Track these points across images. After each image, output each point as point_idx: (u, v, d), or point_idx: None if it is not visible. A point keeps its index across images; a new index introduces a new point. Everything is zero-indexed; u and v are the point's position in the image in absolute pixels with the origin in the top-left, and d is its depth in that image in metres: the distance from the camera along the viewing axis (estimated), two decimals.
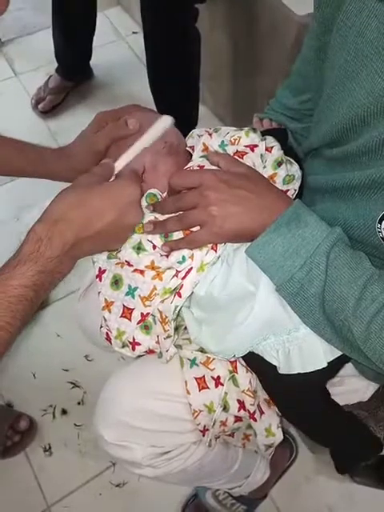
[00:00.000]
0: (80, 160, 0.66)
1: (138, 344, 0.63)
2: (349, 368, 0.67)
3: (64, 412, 1.20)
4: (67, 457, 1.15)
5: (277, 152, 0.63)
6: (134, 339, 0.63)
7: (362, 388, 0.75)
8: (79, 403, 1.21)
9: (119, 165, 0.59)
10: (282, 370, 0.59)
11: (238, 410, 0.64)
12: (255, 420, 0.65)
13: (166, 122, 0.61)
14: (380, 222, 0.50)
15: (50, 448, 1.16)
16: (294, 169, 0.64)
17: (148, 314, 0.61)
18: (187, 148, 0.69)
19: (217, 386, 0.65)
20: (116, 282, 0.62)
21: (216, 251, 0.58)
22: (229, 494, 1.04)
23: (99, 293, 0.63)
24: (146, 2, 1.21)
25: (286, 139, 0.71)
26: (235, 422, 0.66)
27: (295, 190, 0.64)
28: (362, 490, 1.08)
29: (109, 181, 0.57)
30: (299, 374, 0.58)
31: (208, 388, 0.64)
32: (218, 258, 0.59)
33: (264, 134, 0.67)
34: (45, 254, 0.49)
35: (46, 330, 1.31)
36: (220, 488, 1.00)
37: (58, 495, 1.11)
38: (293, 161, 0.65)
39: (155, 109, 1.39)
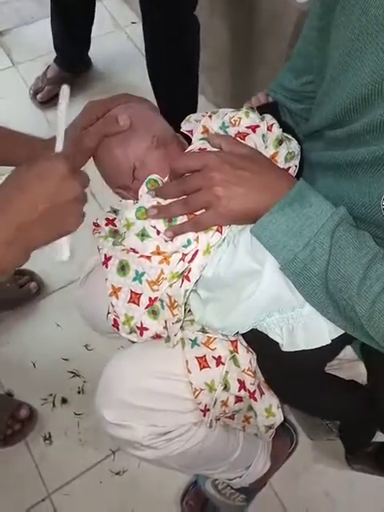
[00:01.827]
0: (72, 156, 0.65)
1: (146, 329, 0.63)
2: (348, 351, 0.68)
3: (64, 401, 1.21)
4: (67, 445, 1.15)
5: (276, 130, 0.63)
6: (141, 324, 0.63)
7: (360, 374, 0.76)
8: (79, 392, 1.21)
9: (57, 147, 0.56)
10: (285, 347, 0.59)
11: (239, 390, 0.65)
12: (255, 400, 0.66)
13: (64, 92, 0.58)
14: None
15: (50, 437, 1.17)
16: (293, 145, 0.64)
17: (156, 298, 0.61)
18: (185, 132, 0.68)
19: (218, 365, 0.65)
20: (122, 268, 0.62)
21: (221, 233, 0.58)
22: (228, 484, 1.04)
23: (106, 279, 0.63)
24: None
25: (277, 113, 0.71)
26: (236, 402, 0.66)
27: (296, 166, 0.64)
28: (361, 477, 1.09)
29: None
30: (300, 351, 0.58)
31: (209, 367, 0.65)
32: (224, 239, 0.59)
33: (258, 111, 0.67)
34: None
35: (46, 319, 1.31)
36: (220, 477, 1.01)
37: (58, 483, 1.12)
38: (291, 137, 0.65)
39: (154, 98, 1.39)
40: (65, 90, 0.57)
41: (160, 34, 1.26)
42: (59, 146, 0.56)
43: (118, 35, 1.90)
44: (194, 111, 1.44)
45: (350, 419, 0.69)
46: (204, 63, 1.38)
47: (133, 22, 1.93)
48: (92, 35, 1.65)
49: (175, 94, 1.38)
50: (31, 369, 1.24)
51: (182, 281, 0.59)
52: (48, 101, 1.69)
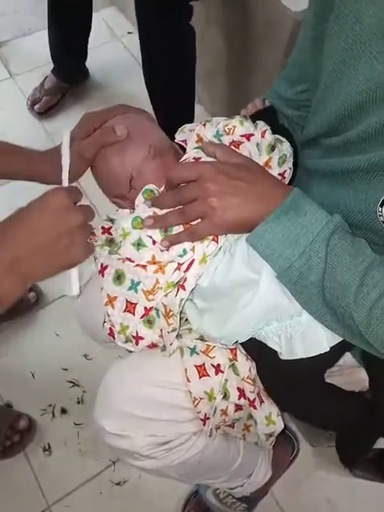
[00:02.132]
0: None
1: (142, 338, 0.63)
2: (348, 358, 0.68)
3: (63, 411, 1.20)
4: (67, 456, 1.15)
5: (269, 136, 0.64)
6: (137, 333, 0.63)
7: (361, 380, 0.76)
8: (79, 402, 1.21)
9: (64, 181, 0.59)
10: (284, 356, 0.59)
11: (239, 398, 0.65)
12: (255, 408, 0.66)
13: (65, 137, 0.61)
14: (381, 206, 0.51)
15: (49, 447, 1.16)
16: (285, 147, 0.64)
17: (151, 308, 0.61)
18: (179, 142, 0.69)
19: (217, 373, 0.65)
20: (118, 277, 0.62)
21: (217, 242, 0.58)
22: (230, 493, 1.03)
23: (102, 288, 0.63)
24: (140, 1, 1.22)
25: (276, 117, 0.71)
26: (236, 411, 0.66)
27: (290, 169, 0.64)
28: (363, 484, 1.08)
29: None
30: (299, 359, 0.58)
31: (208, 375, 0.65)
32: (220, 248, 0.59)
33: (252, 116, 0.67)
34: None
35: (45, 329, 1.31)
36: (221, 487, 1.00)
37: (58, 494, 1.11)
38: (283, 139, 0.65)
39: (152, 108, 1.40)
40: (65, 135, 0.61)
41: (156, 43, 1.27)
42: (65, 183, 0.58)
43: (114, 45, 1.92)
44: (192, 120, 1.46)
45: (349, 429, 0.68)
46: (200, 71, 1.39)
47: (129, 32, 1.94)
48: (89, 45, 1.66)
49: (173, 103, 1.39)
50: (30, 379, 1.24)
51: (178, 290, 0.60)
52: (46, 111, 1.70)
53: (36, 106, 1.69)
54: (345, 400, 0.68)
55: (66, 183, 0.57)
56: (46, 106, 1.69)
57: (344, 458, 0.72)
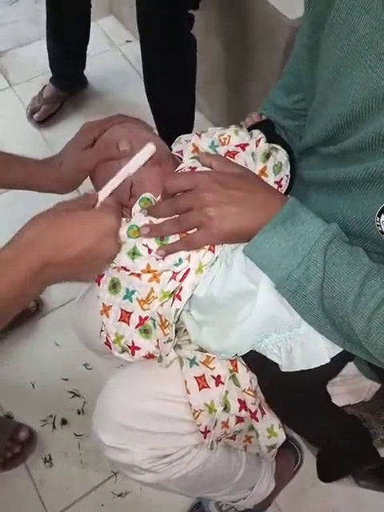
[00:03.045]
0: (67, 175, 0.66)
1: (138, 348, 0.63)
2: (350, 368, 0.67)
3: (64, 422, 1.19)
4: (68, 467, 1.14)
5: (264, 145, 0.64)
6: (133, 343, 0.62)
7: (364, 388, 0.75)
8: (79, 412, 1.20)
9: (102, 194, 0.58)
10: (284, 368, 0.58)
11: (240, 410, 0.64)
12: (257, 420, 0.65)
13: (149, 149, 0.61)
14: (379, 216, 0.50)
15: (50, 459, 1.15)
16: (280, 155, 0.64)
17: (147, 317, 0.61)
18: (175, 153, 0.69)
19: (217, 384, 0.64)
20: (114, 286, 0.62)
21: (214, 252, 0.58)
22: (232, 506, 1.02)
23: (98, 297, 0.63)
24: (141, 9, 1.22)
25: (273, 129, 0.71)
26: (237, 422, 0.65)
27: (287, 176, 0.64)
28: (368, 494, 1.06)
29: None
30: (301, 371, 0.57)
31: (208, 387, 0.64)
32: (216, 258, 0.59)
33: (249, 128, 0.67)
34: (8, 278, 0.47)
35: (45, 338, 1.30)
36: (223, 500, 0.99)
37: (59, 507, 1.09)
38: (278, 146, 0.65)
39: (152, 116, 1.40)
40: (150, 148, 0.61)
41: (158, 52, 1.27)
42: (101, 198, 0.57)
43: (113, 54, 1.92)
44: (192, 127, 1.46)
45: (348, 445, 0.67)
46: (199, 79, 1.40)
47: (128, 41, 1.95)
48: (87, 54, 1.67)
49: (172, 110, 1.39)
50: (30, 390, 1.23)
51: (173, 300, 0.59)
52: (45, 120, 1.70)
53: (35, 115, 1.70)
54: (345, 419, 0.67)
55: (102, 197, 0.57)
56: (45, 114, 1.70)
57: (323, 473, 0.72)
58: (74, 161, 0.65)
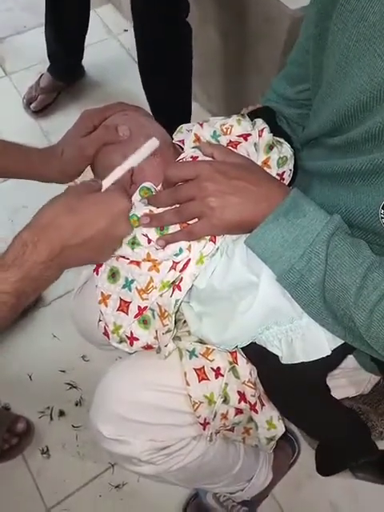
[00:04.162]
0: (69, 164, 0.66)
1: (136, 339, 0.62)
2: (350, 360, 0.67)
3: (61, 413, 1.19)
4: (65, 459, 1.14)
5: (267, 135, 0.63)
6: (131, 334, 0.62)
7: (363, 381, 0.75)
8: (77, 404, 1.20)
9: (106, 183, 0.59)
10: (285, 360, 0.58)
11: (239, 402, 0.64)
12: (256, 412, 0.65)
13: (153, 144, 0.62)
14: (383, 208, 0.49)
15: (47, 450, 1.15)
16: (285, 149, 0.63)
17: (146, 307, 0.60)
18: (176, 142, 0.68)
19: (217, 376, 0.64)
20: (113, 275, 0.61)
21: (215, 243, 0.57)
22: (230, 497, 1.02)
23: (96, 286, 0.63)
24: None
25: (273, 117, 0.71)
26: (236, 414, 0.65)
27: (290, 170, 0.63)
28: (365, 486, 1.07)
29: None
30: (301, 363, 0.57)
31: (208, 379, 0.64)
32: (217, 249, 0.58)
33: (251, 116, 0.66)
34: (29, 259, 0.48)
35: (42, 330, 1.30)
36: (221, 491, 0.99)
37: (57, 498, 1.10)
38: (282, 140, 0.64)
39: (148, 105, 1.38)
40: (154, 142, 0.61)
41: (153, 39, 1.26)
42: (106, 184, 0.58)
43: (110, 43, 1.90)
44: (189, 117, 1.44)
45: (341, 442, 0.68)
46: (197, 70, 1.38)
47: (125, 30, 1.93)
48: (85, 43, 1.65)
49: (169, 99, 1.37)
50: (27, 381, 1.22)
51: (173, 290, 0.59)
52: (41, 110, 1.68)
53: (32, 105, 1.68)
54: (344, 412, 0.67)
55: (106, 186, 0.58)
56: (42, 104, 1.68)
57: (321, 467, 0.72)
58: (75, 148, 0.64)
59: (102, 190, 0.58)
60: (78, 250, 0.51)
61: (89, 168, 0.68)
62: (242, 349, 0.63)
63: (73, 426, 1.17)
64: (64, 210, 0.51)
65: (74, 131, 0.66)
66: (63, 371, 1.23)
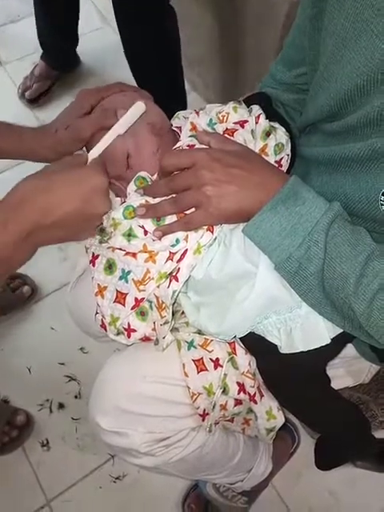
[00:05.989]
0: (62, 144, 0.64)
1: (134, 331, 0.61)
2: (349, 349, 0.66)
3: (61, 406, 1.19)
4: (65, 451, 1.14)
5: (263, 122, 0.62)
6: (129, 326, 0.61)
7: (363, 370, 0.74)
8: (76, 397, 1.20)
9: (93, 154, 0.57)
10: (284, 349, 0.57)
11: (238, 393, 0.63)
12: (255, 402, 0.64)
13: (138, 108, 0.60)
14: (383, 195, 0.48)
15: (47, 443, 1.15)
16: (280, 134, 0.62)
17: (143, 299, 0.60)
18: (173, 128, 0.67)
19: (216, 367, 0.63)
20: (109, 267, 0.60)
21: (212, 232, 0.57)
22: (230, 487, 1.03)
23: (93, 278, 0.62)
24: None
25: (269, 102, 0.69)
26: (235, 405, 0.65)
27: (288, 156, 0.62)
28: (364, 474, 1.08)
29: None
30: (300, 353, 0.56)
31: (207, 370, 0.63)
32: (215, 239, 0.57)
33: (247, 102, 0.65)
34: None
35: (40, 323, 1.29)
36: (221, 482, 0.99)
37: (57, 490, 1.10)
38: (277, 125, 0.63)
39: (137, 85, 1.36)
40: (140, 107, 0.60)
41: (136, 25, 1.23)
42: (92, 156, 0.56)
43: (105, 31, 1.87)
44: (184, 103, 1.42)
45: (340, 433, 0.67)
46: (194, 58, 1.36)
47: None
48: (79, 32, 1.62)
49: (161, 85, 1.34)
50: (26, 374, 1.22)
51: (170, 281, 0.58)
52: (37, 99, 1.66)
53: (26, 93, 1.66)
54: (344, 403, 0.66)
55: (92, 157, 0.56)
56: (37, 92, 1.66)
57: (321, 461, 0.72)
58: (71, 129, 0.62)
59: (88, 163, 0.56)
60: (50, 229, 0.50)
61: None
62: (241, 339, 0.62)
63: (72, 419, 1.17)
64: (35, 188, 0.49)
65: (70, 110, 0.64)
66: (62, 364, 1.23)
